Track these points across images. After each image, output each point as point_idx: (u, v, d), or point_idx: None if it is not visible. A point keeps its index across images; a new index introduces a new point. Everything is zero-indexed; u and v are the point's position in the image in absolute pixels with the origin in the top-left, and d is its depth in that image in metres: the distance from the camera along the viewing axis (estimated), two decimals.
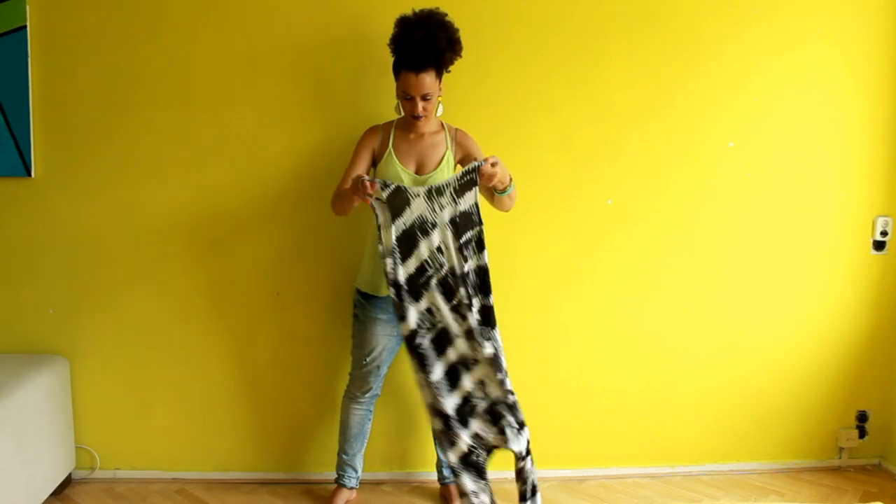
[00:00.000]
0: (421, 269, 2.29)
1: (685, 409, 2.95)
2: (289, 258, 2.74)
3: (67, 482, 2.73)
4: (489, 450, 2.37)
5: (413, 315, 2.26)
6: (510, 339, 2.82)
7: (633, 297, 2.88)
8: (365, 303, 2.48)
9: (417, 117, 2.34)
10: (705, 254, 2.88)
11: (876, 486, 2.91)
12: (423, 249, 2.28)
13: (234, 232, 2.72)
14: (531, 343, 2.85)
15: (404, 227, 2.26)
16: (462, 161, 2.45)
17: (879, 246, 2.96)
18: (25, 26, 2.56)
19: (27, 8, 2.56)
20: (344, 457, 2.63)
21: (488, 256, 2.32)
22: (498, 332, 2.31)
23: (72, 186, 2.66)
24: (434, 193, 2.27)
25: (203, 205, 2.70)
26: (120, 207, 2.68)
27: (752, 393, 2.97)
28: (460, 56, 2.38)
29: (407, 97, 2.32)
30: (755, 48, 2.79)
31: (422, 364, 2.27)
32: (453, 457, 2.30)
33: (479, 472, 2.33)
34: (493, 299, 2.30)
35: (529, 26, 2.69)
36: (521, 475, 2.30)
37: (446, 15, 2.34)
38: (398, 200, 2.25)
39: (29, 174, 2.62)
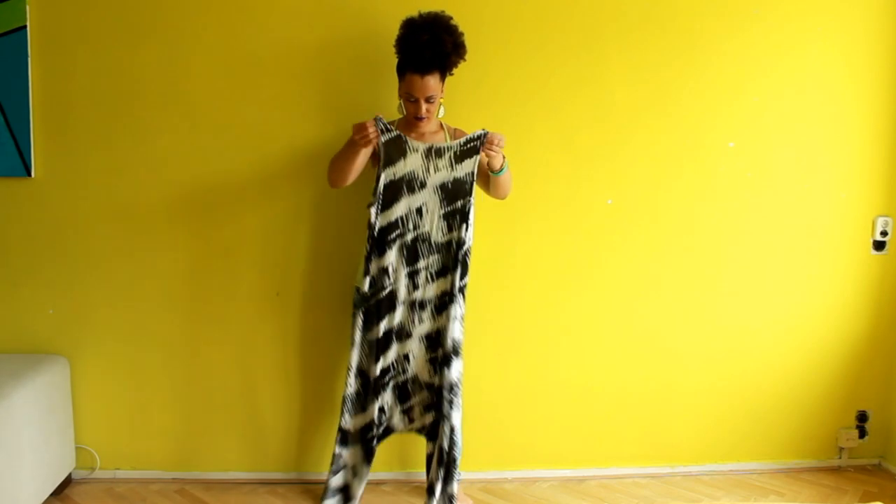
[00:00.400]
0: (391, 227, 2.35)
1: (685, 409, 2.95)
2: (289, 258, 2.74)
3: (67, 482, 2.73)
4: (386, 430, 2.49)
5: (371, 270, 2.35)
6: (511, 340, 2.84)
7: (633, 296, 2.88)
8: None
9: (420, 118, 2.35)
10: (705, 254, 2.88)
11: (876, 486, 2.91)
12: (402, 207, 2.33)
13: (235, 232, 2.72)
14: (531, 343, 2.85)
15: (392, 178, 2.32)
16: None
17: (879, 246, 2.96)
18: (25, 26, 2.56)
19: (27, 8, 2.56)
20: None
21: (472, 238, 2.35)
22: (459, 328, 2.37)
23: (72, 186, 2.66)
24: (433, 153, 2.32)
25: (203, 205, 2.70)
26: (120, 207, 2.68)
27: (752, 393, 2.97)
28: (464, 59, 2.40)
29: (411, 99, 2.33)
30: (755, 48, 2.79)
31: (366, 321, 2.37)
32: (357, 423, 2.40)
33: (368, 452, 2.43)
34: (467, 281, 2.34)
35: (529, 26, 2.69)
36: (432, 462, 2.40)
37: (451, 18, 2.36)
38: (394, 149, 2.31)
39: (29, 174, 2.62)
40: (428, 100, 2.32)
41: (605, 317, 2.88)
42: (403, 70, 2.34)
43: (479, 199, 2.56)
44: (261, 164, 2.69)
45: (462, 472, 2.82)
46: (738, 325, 2.94)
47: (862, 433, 3.06)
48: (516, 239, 2.79)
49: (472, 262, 2.62)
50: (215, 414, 2.81)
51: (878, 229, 2.94)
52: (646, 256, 2.86)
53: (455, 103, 2.67)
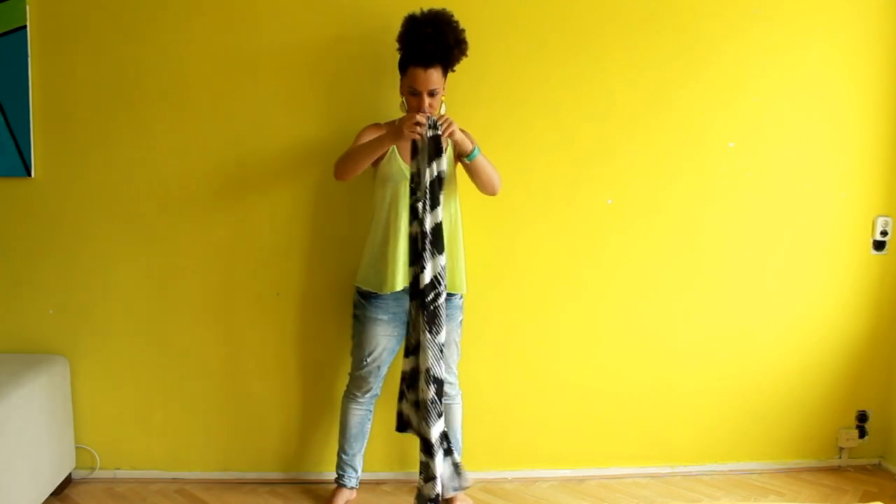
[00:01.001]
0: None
1: (685, 409, 2.95)
2: (289, 258, 2.74)
3: (67, 482, 2.73)
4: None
5: (429, 272, 2.23)
6: (511, 340, 2.84)
7: (633, 296, 2.88)
8: (364, 302, 2.48)
9: (423, 113, 2.33)
10: (705, 254, 2.88)
11: (876, 486, 2.91)
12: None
13: (235, 232, 2.72)
14: (531, 343, 2.85)
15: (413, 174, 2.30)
16: (459, 154, 2.43)
17: (879, 246, 2.96)
18: (25, 26, 2.56)
19: (27, 8, 2.56)
20: (344, 457, 2.63)
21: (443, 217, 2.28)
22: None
23: (72, 186, 2.66)
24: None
25: (203, 204, 2.70)
26: (120, 207, 2.68)
27: (752, 393, 2.97)
28: (466, 55, 2.40)
29: (414, 93, 2.34)
30: (755, 48, 2.79)
31: (434, 322, 2.24)
32: (438, 430, 2.27)
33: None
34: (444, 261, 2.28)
35: (529, 26, 2.69)
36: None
37: (453, 15, 2.37)
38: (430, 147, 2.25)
39: (29, 174, 2.62)
40: (430, 93, 2.33)
41: (605, 317, 2.88)
42: (406, 64, 2.35)
43: (479, 199, 2.57)
44: (261, 163, 2.69)
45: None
46: (738, 325, 2.93)
47: (862, 433, 3.06)
48: (516, 239, 2.79)
49: (472, 263, 2.63)
50: (215, 414, 2.81)
51: (878, 229, 2.94)
52: (645, 256, 2.86)
53: (455, 102, 2.66)
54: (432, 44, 2.29)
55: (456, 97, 2.66)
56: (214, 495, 2.72)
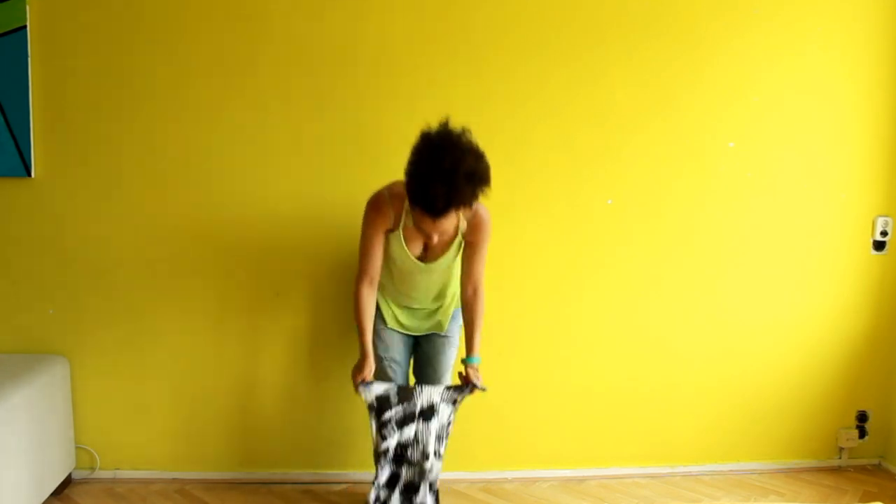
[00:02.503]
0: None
1: (685, 409, 2.96)
2: (289, 258, 2.74)
3: (67, 482, 2.73)
4: None
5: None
6: (511, 340, 2.84)
7: (633, 296, 2.88)
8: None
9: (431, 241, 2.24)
10: (705, 254, 2.88)
11: (876, 486, 2.91)
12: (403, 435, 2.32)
13: (235, 232, 2.72)
14: (531, 343, 2.86)
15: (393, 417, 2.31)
16: (463, 237, 2.30)
17: (879, 246, 2.96)
18: (25, 26, 2.56)
19: (27, 8, 2.55)
20: None
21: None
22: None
23: (72, 186, 2.66)
24: (422, 415, 2.31)
25: (203, 204, 2.70)
26: (120, 207, 2.68)
27: (752, 393, 2.97)
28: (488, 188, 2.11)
29: (420, 228, 2.13)
30: (755, 49, 2.79)
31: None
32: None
33: None
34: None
35: (530, 27, 2.69)
36: None
37: (471, 151, 2.03)
38: (385, 403, 2.30)
39: (29, 174, 2.62)
40: (442, 232, 2.13)
41: (605, 317, 2.88)
42: (413, 201, 2.04)
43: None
44: (261, 163, 2.69)
45: (462, 472, 2.83)
46: (738, 325, 2.94)
47: (862, 433, 3.06)
48: (516, 239, 2.79)
49: None
50: (216, 414, 2.81)
51: (878, 229, 2.94)
52: (646, 256, 2.86)
53: (454, 104, 2.67)
54: (443, 202, 1.98)
55: (456, 98, 2.67)
56: (214, 495, 2.72)
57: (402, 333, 2.49)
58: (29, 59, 2.58)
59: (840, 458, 3.07)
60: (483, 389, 2.36)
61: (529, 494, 2.79)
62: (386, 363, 2.49)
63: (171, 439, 2.81)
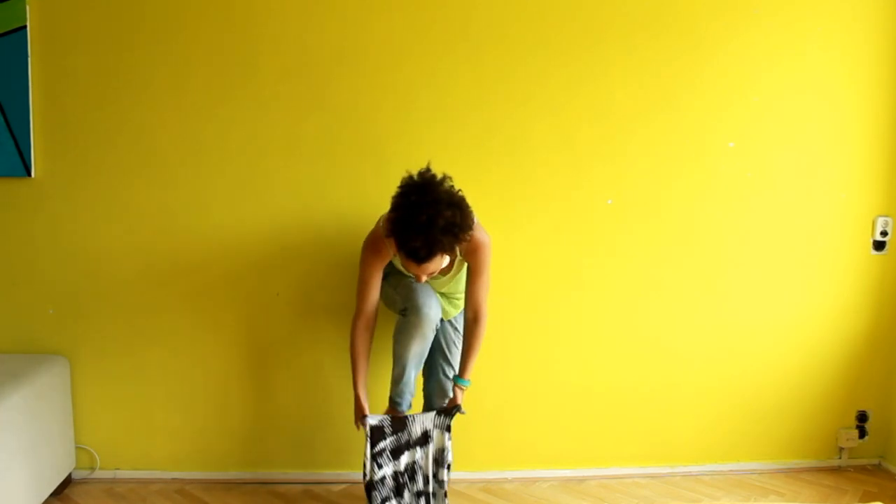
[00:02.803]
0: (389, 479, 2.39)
1: (685, 409, 2.95)
2: (289, 257, 2.74)
3: (67, 482, 2.73)
4: None
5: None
6: (511, 340, 2.84)
7: (633, 296, 2.88)
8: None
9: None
10: (705, 254, 2.88)
11: (876, 486, 2.91)
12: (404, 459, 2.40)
13: (235, 231, 2.72)
14: (531, 343, 2.86)
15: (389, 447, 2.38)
16: (464, 257, 2.35)
17: (879, 246, 2.96)
18: (25, 26, 2.56)
19: (27, 8, 2.56)
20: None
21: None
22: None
23: (72, 186, 2.66)
24: (417, 443, 2.39)
25: (203, 204, 2.70)
26: (120, 207, 2.68)
27: (752, 393, 2.97)
28: (470, 233, 2.19)
29: (407, 269, 2.20)
30: (755, 48, 2.79)
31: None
32: None
33: None
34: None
35: (529, 26, 2.69)
36: None
37: (448, 200, 2.08)
38: (380, 434, 2.37)
39: (29, 174, 2.62)
40: (430, 273, 2.18)
41: (605, 316, 2.88)
42: (397, 247, 2.13)
43: (480, 198, 2.56)
44: (260, 163, 2.69)
45: (462, 472, 2.83)
46: (738, 325, 2.93)
47: (862, 433, 3.06)
48: (516, 238, 2.79)
49: None
50: (215, 414, 2.81)
51: (878, 229, 2.94)
52: (646, 256, 2.86)
53: (454, 103, 2.68)
54: (426, 250, 2.05)
55: (455, 98, 2.67)
56: (214, 495, 2.72)
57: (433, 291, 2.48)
58: (29, 59, 2.58)
59: (840, 458, 3.07)
60: (462, 413, 2.44)
61: (529, 494, 2.79)
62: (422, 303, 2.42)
63: (171, 439, 2.81)
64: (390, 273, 2.50)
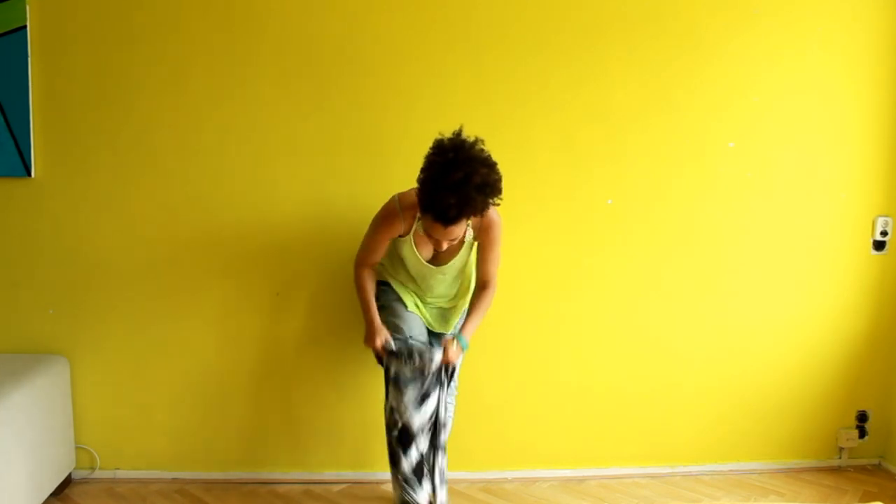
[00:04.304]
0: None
1: (685, 409, 2.96)
2: (289, 257, 2.74)
3: (67, 482, 2.73)
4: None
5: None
6: (511, 339, 2.84)
7: (633, 296, 2.88)
8: (386, 288, 2.49)
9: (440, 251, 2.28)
10: (705, 254, 2.88)
11: (876, 486, 2.91)
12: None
13: (235, 230, 2.72)
14: (531, 343, 2.86)
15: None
16: (475, 237, 2.36)
17: (879, 246, 2.96)
18: (25, 26, 2.56)
19: (27, 8, 2.56)
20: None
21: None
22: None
23: (72, 186, 2.66)
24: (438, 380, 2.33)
25: (203, 204, 2.70)
26: (120, 207, 2.68)
27: (752, 393, 2.97)
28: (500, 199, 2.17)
29: (430, 235, 2.18)
30: (755, 49, 2.79)
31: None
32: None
33: None
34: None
35: (530, 26, 2.69)
36: None
37: (485, 161, 2.07)
38: (401, 377, 2.30)
39: (29, 174, 2.62)
40: (452, 240, 2.18)
41: (605, 316, 2.88)
42: (424, 209, 2.09)
43: None
44: (260, 163, 2.69)
45: (462, 472, 2.83)
46: (738, 325, 2.94)
47: (862, 433, 3.06)
48: (516, 238, 2.78)
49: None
50: (215, 414, 2.81)
51: (878, 229, 2.94)
52: (646, 256, 2.86)
53: (455, 103, 2.67)
54: (456, 210, 2.02)
55: (456, 98, 2.67)
56: (214, 495, 2.72)
57: (420, 319, 2.49)
58: (29, 59, 2.58)
59: (840, 458, 3.07)
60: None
61: (529, 494, 2.79)
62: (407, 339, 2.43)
63: (171, 439, 2.81)
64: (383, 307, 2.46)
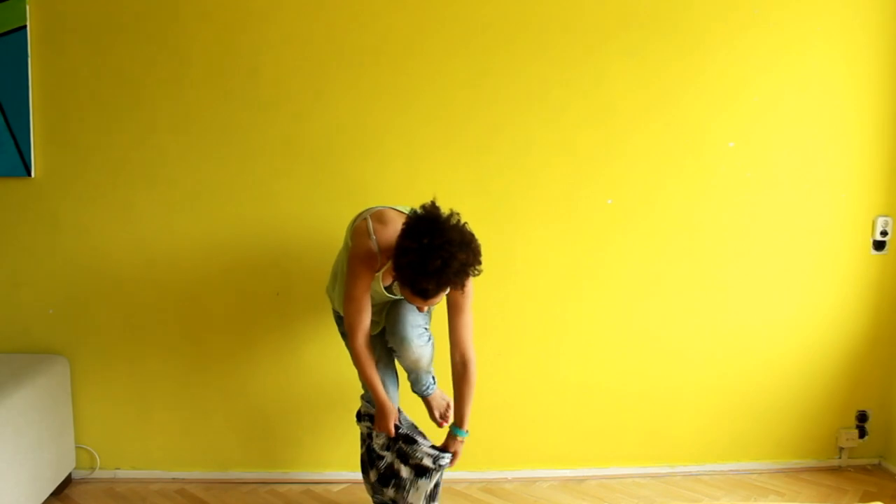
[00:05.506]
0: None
1: (685, 409, 2.95)
2: (289, 257, 2.74)
3: (67, 482, 2.73)
4: None
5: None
6: (511, 339, 2.84)
7: (634, 296, 2.88)
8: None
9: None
10: (705, 254, 2.88)
11: (876, 486, 2.91)
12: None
13: (235, 231, 2.72)
14: (531, 343, 2.86)
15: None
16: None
17: (879, 246, 2.96)
18: (25, 26, 2.56)
19: (27, 8, 2.56)
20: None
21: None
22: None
23: (72, 187, 2.66)
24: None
25: (202, 204, 2.70)
26: (120, 207, 2.68)
27: (752, 392, 2.97)
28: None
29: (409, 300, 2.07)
30: (755, 49, 2.79)
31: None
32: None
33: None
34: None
35: (531, 29, 2.69)
36: None
37: (460, 240, 1.95)
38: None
39: (29, 174, 2.62)
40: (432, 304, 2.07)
41: (606, 316, 2.88)
42: (402, 286, 2.00)
43: (480, 198, 2.57)
44: (260, 163, 2.69)
45: (462, 472, 2.83)
46: (738, 325, 2.93)
47: (862, 433, 3.06)
48: (516, 238, 2.79)
49: None
50: (215, 414, 2.81)
51: (878, 229, 2.94)
52: (646, 256, 2.86)
53: (455, 105, 2.67)
54: (434, 292, 1.97)
55: (457, 99, 2.67)
56: (214, 495, 2.72)
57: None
58: (29, 59, 2.58)
59: (840, 458, 3.07)
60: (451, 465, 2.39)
61: (529, 494, 2.79)
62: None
63: (171, 439, 2.81)
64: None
